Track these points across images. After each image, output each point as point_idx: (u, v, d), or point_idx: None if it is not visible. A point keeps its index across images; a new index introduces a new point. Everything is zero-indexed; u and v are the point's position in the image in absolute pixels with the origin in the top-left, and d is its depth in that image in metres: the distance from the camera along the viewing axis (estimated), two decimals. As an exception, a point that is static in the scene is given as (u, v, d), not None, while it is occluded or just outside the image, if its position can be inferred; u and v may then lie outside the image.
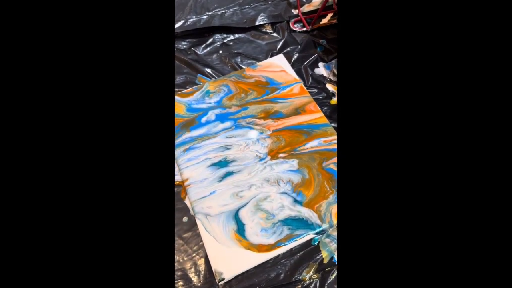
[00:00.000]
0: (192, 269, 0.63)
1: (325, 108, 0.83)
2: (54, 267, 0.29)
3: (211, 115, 0.79)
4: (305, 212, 0.64)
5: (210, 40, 1.02)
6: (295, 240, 0.62)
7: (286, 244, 0.61)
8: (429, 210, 0.30)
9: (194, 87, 0.86)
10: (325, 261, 0.62)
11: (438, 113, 0.31)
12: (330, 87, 0.88)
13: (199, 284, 0.61)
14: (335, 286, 0.60)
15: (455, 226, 0.29)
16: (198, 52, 0.98)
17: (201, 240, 0.65)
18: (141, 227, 0.31)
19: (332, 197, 0.66)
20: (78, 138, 0.31)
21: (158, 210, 0.31)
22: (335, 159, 0.71)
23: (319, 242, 0.64)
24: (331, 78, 0.90)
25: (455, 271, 0.29)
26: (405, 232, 0.30)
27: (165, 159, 0.32)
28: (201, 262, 0.63)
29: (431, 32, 0.31)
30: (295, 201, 0.66)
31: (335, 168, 0.69)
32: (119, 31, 0.32)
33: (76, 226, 0.30)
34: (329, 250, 0.63)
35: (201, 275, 0.62)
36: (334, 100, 0.85)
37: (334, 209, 0.64)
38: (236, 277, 0.61)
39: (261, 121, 0.77)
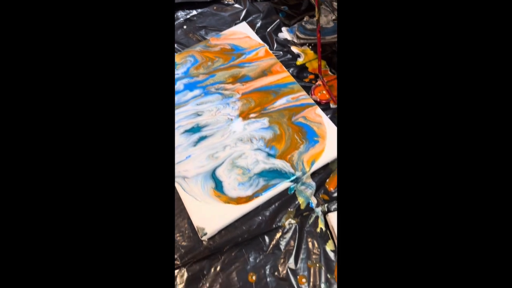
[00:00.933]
0: (176, 231, 0.65)
1: (292, 69, 0.86)
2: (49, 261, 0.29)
3: (179, 85, 0.80)
4: (279, 163, 0.67)
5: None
6: (272, 189, 0.64)
7: (263, 194, 0.64)
8: (427, 211, 0.29)
9: (161, 62, 0.87)
10: (302, 207, 0.65)
11: (436, 114, 0.30)
12: (295, 49, 0.90)
13: (184, 243, 0.63)
14: (313, 229, 0.63)
15: (456, 224, 0.29)
16: (162, 29, 0.98)
17: (182, 204, 0.66)
18: (142, 214, 0.31)
19: (303, 147, 0.68)
20: (76, 127, 0.30)
21: (158, 194, 0.31)
22: (303, 113, 0.73)
23: (295, 190, 0.67)
24: (295, 40, 0.92)
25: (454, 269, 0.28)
26: (404, 232, 0.30)
27: (165, 141, 0.32)
28: (183, 223, 0.65)
29: (430, 32, 0.30)
30: (269, 155, 0.68)
31: (304, 121, 0.72)
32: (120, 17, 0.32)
33: (78, 216, 0.30)
34: (305, 196, 0.66)
35: (185, 236, 0.64)
36: (299, 61, 0.88)
37: (305, 157, 0.67)
38: (219, 232, 0.63)
39: (229, 86, 0.79)
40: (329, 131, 0.70)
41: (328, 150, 0.68)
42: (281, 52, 0.89)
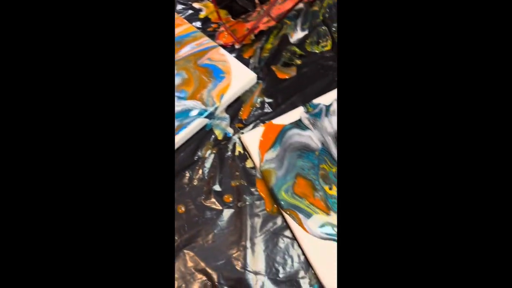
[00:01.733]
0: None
1: (195, 22, 0.88)
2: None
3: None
4: (190, 103, 0.70)
5: None
6: (187, 127, 0.67)
7: (178, 133, 0.66)
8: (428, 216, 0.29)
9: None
10: (219, 138, 0.69)
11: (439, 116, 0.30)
12: (196, 5, 0.93)
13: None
14: (232, 154, 0.67)
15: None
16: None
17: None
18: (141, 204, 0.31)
19: (211, 84, 0.72)
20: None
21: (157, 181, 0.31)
22: (207, 55, 0.76)
23: (211, 126, 0.70)
24: (195, -3, 0.95)
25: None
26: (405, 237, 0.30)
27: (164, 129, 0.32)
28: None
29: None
30: (179, 98, 0.70)
31: (209, 62, 0.75)
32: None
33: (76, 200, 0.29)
34: (221, 127, 0.69)
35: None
36: (202, 14, 0.90)
37: (214, 93, 0.71)
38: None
39: (133, 46, 0.80)
40: (233, 66, 0.74)
41: (234, 82, 0.72)
42: (182, 10, 0.91)
